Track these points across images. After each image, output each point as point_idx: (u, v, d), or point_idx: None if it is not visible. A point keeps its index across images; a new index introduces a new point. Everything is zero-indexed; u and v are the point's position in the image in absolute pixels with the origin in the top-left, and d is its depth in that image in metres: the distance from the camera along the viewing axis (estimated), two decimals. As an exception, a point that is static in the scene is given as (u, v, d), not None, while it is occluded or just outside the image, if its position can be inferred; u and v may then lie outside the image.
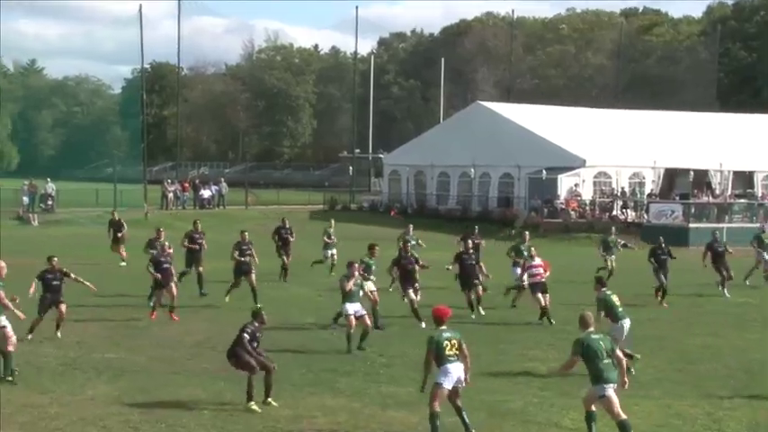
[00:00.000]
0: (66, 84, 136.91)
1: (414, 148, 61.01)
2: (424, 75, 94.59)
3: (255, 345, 13.62)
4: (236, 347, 13.67)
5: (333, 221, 32.09)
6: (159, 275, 20.77)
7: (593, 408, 11.83)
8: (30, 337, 17.61)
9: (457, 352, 11.84)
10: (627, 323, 15.75)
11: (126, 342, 17.97)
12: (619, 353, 11.99)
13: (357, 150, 74.25)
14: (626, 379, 11.88)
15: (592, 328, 11.97)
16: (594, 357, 11.59)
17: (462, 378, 11.91)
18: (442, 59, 70.00)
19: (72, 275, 18.28)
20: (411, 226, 28.89)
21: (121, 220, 35.23)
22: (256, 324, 13.76)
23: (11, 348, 14.53)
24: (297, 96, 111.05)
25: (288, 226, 29.01)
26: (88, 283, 18.61)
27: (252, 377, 13.46)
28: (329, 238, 29.98)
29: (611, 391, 11.54)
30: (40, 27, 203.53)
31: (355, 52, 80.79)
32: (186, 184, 59.54)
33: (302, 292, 25.95)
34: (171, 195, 57.58)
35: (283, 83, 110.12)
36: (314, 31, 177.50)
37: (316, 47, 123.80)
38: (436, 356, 11.80)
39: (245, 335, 13.61)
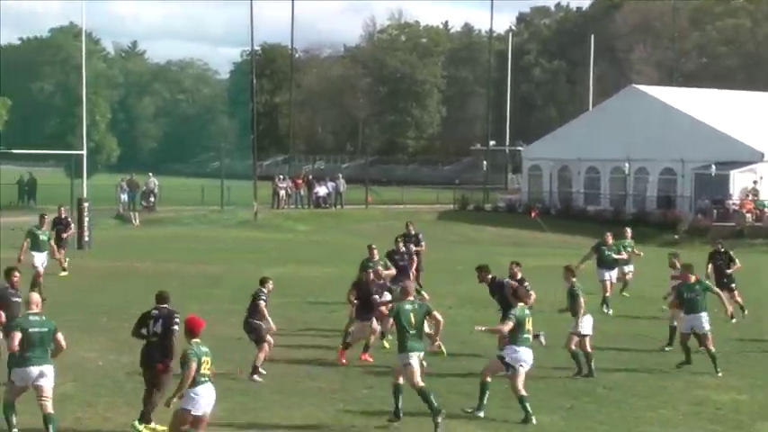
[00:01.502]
0: (169, 68, 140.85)
1: (558, 139, 60.41)
2: (571, 55, 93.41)
3: None
4: (253, 318, 15.89)
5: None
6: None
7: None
8: None
9: (209, 372, 12.23)
10: None
11: (234, 358, 18.32)
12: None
13: (492, 142, 73.89)
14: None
15: (410, 298, 14.33)
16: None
17: (211, 405, 12.23)
18: (592, 37, 68.98)
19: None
20: (609, 234, 25.89)
21: (69, 218, 31.41)
22: (266, 289, 15.91)
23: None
24: (423, 81, 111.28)
25: (413, 232, 26.84)
26: None
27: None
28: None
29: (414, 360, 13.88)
30: (142, 7, 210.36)
31: (490, 30, 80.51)
32: (299, 181, 60.50)
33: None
34: (282, 193, 58.61)
35: (408, 66, 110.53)
36: (443, 6, 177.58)
37: (445, 24, 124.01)
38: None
39: (261, 302, 15.63)
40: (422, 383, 13.96)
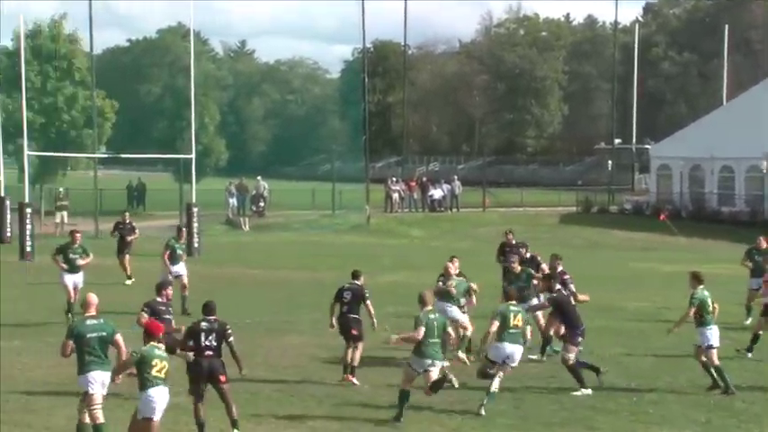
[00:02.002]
0: (278, 68, 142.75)
1: (689, 136, 59.31)
2: (702, 47, 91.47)
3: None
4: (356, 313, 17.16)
5: None
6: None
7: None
8: None
9: (163, 375, 12.39)
10: None
11: (362, 372, 18.44)
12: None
13: (617, 141, 72.85)
14: None
15: (429, 307, 15.24)
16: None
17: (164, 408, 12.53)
18: (726, 27, 67.47)
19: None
20: (762, 238, 25.02)
21: (132, 222, 32.45)
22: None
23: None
24: (544, 77, 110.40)
25: (514, 242, 24.89)
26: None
27: None
28: None
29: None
30: (251, 5, 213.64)
31: (615, 21, 79.45)
32: (413, 183, 60.64)
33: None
34: (396, 196, 58.82)
35: (527, 61, 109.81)
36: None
37: (567, 17, 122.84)
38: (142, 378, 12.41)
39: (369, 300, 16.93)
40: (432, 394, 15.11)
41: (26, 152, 43.86)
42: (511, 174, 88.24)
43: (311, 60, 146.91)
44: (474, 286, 19.42)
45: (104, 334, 13.29)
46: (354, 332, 17.64)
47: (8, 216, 43.32)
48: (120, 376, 13.64)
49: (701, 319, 17.00)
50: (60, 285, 23.96)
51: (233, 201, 56.09)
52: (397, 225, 53.96)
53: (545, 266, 21.00)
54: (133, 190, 62.86)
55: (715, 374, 16.96)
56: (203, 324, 14.17)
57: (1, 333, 21.45)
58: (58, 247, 24.84)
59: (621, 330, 22.77)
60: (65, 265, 23.91)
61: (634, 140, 70.73)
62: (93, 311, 13.51)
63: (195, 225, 41.18)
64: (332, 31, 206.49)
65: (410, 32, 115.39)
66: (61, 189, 52.68)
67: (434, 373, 14.94)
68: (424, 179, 63.24)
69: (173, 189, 57.97)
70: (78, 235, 24.73)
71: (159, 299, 16.48)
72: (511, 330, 15.81)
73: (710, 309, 17.09)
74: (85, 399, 13.26)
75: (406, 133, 78.87)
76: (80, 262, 24.13)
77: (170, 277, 23.56)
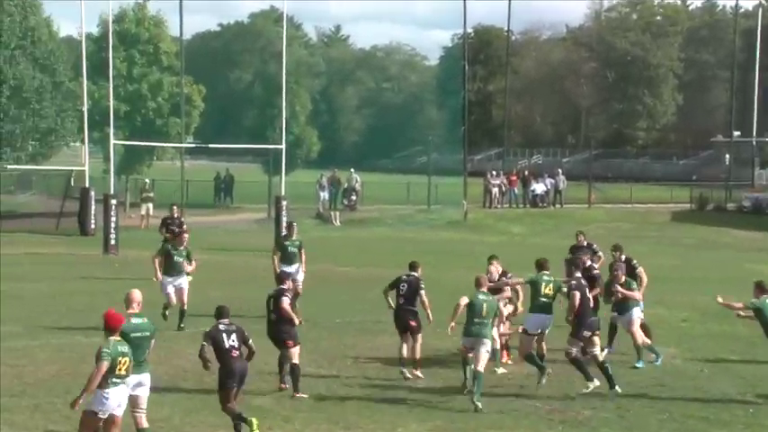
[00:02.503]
0: (374, 54, 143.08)
1: (815, 129, 58.02)
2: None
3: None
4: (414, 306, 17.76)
5: None
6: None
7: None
8: None
9: (125, 372, 12.29)
10: None
11: (442, 373, 18.45)
12: None
13: (736, 133, 71.58)
14: None
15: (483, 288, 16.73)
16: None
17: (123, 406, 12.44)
18: None
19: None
20: None
21: (181, 217, 32.61)
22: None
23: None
24: (657, 65, 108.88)
25: (586, 243, 23.46)
26: None
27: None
28: None
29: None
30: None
31: (736, 5, 77.93)
32: (514, 177, 60.35)
33: (664, 313, 25.27)
34: (495, 191, 58.59)
35: (640, 48, 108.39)
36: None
37: (683, 0, 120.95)
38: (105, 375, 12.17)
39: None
40: (480, 369, 16.13)
41: (112, 141, 44.49)
42: (619, 168, 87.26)
43: (409, 46, 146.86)
44: (504, 310, 18.70)
45: (147, 334, 13.28)
46: (413, 324, 18.03)
47: (92, 208, 44.12)
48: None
49: None
50: (162, 293, 22.24)
51: (324, 194, 56.39)
52: (496, 221, 53.77)
53: (641, 271, 20.48)
54: (221, 182, 63.52)
55: None
56: (221, 326, 14.41)
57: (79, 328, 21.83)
58: (160, 247, 23.43)
59: (736, 336, 22.33)
60: (160, 275, 22.28)
61: (754, 133, 69.38)
62: (135, 309, 13.42)
63: (284, 219, 41.54)
64: (431, 16, 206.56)
65: (514, 17, 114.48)
66: (147, 180, 53.60)
67: (482, 352, 16.24)
68: (526, 173, 62.88)
69: (262, 181, 58.58)
70: (186, 236, 23.49)
71: (284, 286, 17.03)
72: (542, 299, 17.45)
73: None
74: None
75: (507, 124, 78.48)
76: (188, 268, 22.63)
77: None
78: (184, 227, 29.58)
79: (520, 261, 31.93)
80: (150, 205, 49.87)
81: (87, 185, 45.13)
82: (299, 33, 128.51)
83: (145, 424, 13.26)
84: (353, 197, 57.32)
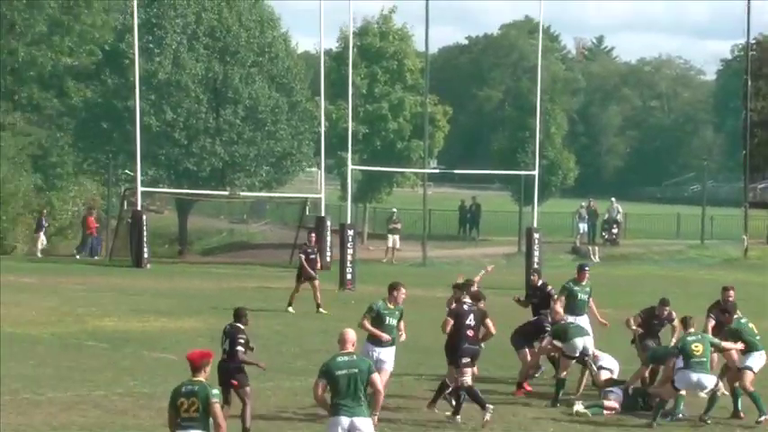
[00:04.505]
0: (641, 69, 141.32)
1: None
2: None
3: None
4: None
5: None
6: None
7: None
8: None
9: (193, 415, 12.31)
10: None
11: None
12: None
13: None
14: None
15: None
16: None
17: None
18: None
19: None
20: None
21: (316, 247, 33.94)
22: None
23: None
24: None
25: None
26: None
27: None
28: None
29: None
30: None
31: None
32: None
33: None
34: (782, 224, 56.97)
35: None
36: None
37: None
38: None
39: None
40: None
41: (350, 166, 45.16)
42: None
43: (681, 59, 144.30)
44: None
45: (355, 371, 13.54)
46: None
47: (329, 239, 45.06)
48: None
49: None
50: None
51: (583, 226, 56.11)
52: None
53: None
54: (466, 211, 63.75)
55: None
56: (226, 327, 17.04)
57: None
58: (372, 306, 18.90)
59: None
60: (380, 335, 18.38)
61: None
62: (349, 348, 13.79)
63: (536, 254, 41.66)
64: (706, 24, 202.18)
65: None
66: (395, 210, 54.26)
67: None
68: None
69: (512, 211, 58.88)
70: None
71: None
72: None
73: None
74: None
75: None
76: (402, 336, 18.89)
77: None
78: (318, 258, 32.94)
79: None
80: (396, 237, 50.80)
81: (323, 214, 46.16)
82: (556, 46, 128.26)
83: None
84: (615, 230, 56.82)
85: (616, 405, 19.54)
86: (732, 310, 21.03)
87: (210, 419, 12.33)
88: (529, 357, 21.09)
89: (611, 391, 19.86)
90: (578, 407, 19.35)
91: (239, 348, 16.65)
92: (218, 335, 17.37)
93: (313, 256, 32.54)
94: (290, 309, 32.07)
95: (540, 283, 22.82)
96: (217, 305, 31.84)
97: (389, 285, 19.04)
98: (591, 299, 22.80)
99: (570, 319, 21.45)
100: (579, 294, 22.60)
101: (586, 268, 23.52)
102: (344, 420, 13.27)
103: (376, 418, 14.10)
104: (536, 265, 40.08)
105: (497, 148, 67.92)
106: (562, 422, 18.77)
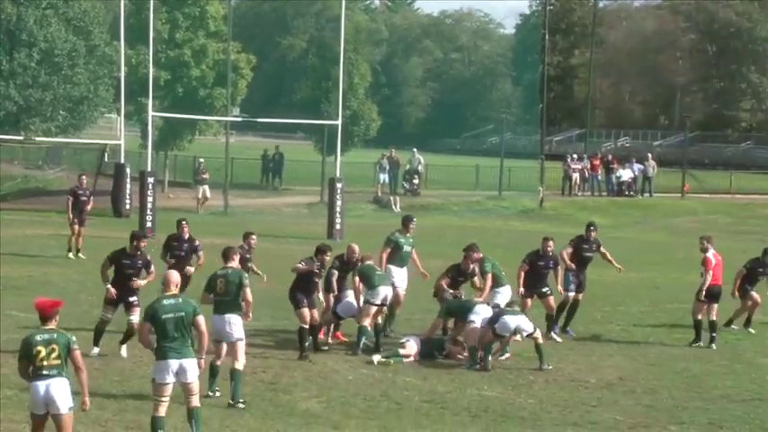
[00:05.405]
0: (442, 21, 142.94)
1: None
2: None
3: None
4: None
5: None
6: None
7: None
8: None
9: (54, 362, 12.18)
10: None
11: (512, 379, 18.57)
12: None
13: None
14: None
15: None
16: None
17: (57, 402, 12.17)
18: None
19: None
20: None
21: (89, 189, 34.33)
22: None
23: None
24: (765, 38, 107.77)
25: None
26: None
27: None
28: None
29: None
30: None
31: None
32: (597, 162, 60.13)
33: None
34: (576, 176, 58.45)
35: (746, 19, 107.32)
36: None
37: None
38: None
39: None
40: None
41: (150, 113, 44.28)
42: (718, 153, 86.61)
43: (481, 13, 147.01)
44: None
45: (182, 314, 13.64)
46: None
47: (128, 186, 44.43)
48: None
49: None
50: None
51: (383, 176, 56.39)
52: (576, 211, 53.53)
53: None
54: (269, 160, 63.56)
55: None
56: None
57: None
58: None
59: None
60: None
61: None
62: (173, 289, 13.92)
63: (338, 203, 41.74)
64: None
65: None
66: (202, 160, 53.50)
67: None
68: (611, 157, 62.63)
69: (314, 161, 58.87)
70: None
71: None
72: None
73: None
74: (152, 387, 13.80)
75: (590, 102, 78.12)
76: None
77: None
78: (91, 200, 32.79)
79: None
80: (206, 187, 50.31)
81: (122, 161, 45.46)
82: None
83: (196, 403, 13.78)
84: (416, 180, 57.38)
85: (411, 353, 19.75)
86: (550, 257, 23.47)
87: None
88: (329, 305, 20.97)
89: (408, 340, 20.07)
90: (377, 357, 19.48)
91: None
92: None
93: (84, 198, 32.30)
94: (71, 255, 31.57)
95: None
96: (10, 252, 31.00)
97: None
98: (414, 250, 22.80)
99: (393, 269, 21.83)
100: (404, 246, 22.52)
101: (413, 220, 23.26)
102: (173, 363, 13.43)
103: (202, 361, 14.08)
104: (338, 215, 40.35)
105: (301, 97, 67.62)
106: (361, 371, 18.84)
